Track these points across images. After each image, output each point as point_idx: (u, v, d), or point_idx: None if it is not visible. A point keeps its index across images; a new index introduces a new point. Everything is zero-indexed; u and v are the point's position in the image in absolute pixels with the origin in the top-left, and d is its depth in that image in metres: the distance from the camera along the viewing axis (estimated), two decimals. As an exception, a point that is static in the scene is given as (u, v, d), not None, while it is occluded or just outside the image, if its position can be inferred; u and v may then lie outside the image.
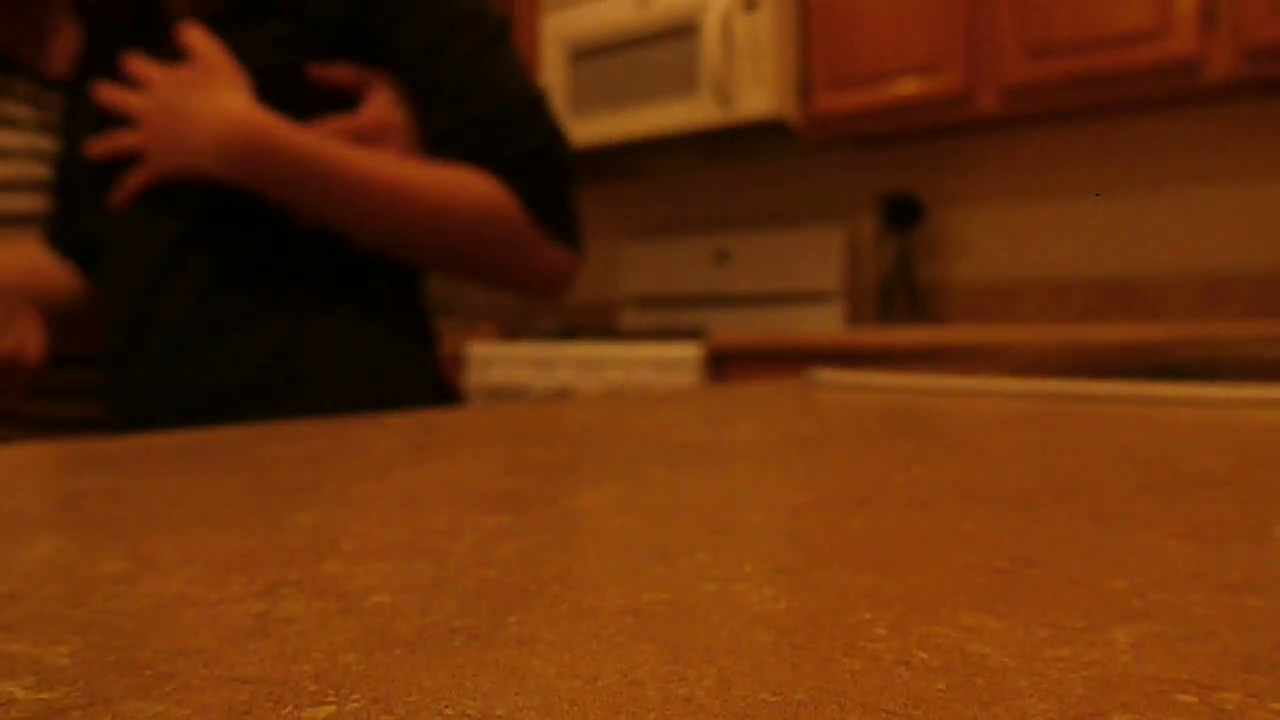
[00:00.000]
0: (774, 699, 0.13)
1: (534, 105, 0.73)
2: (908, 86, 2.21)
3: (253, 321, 0.71)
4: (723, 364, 2.09)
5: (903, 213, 2.42)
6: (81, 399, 0.85)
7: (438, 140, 0.73)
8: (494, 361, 2.32)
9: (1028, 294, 2.39)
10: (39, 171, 0.79)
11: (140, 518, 0.26)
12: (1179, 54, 1.89)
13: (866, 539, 0.22)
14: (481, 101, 0.72)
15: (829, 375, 0.68)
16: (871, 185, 2.61)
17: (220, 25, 0.72)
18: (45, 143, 0.80)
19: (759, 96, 2.30)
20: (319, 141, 0.66)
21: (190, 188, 0.70)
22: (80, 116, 0.77)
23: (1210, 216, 2.18)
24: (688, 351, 2.07)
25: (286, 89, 0.69)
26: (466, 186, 0.70)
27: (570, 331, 2.44)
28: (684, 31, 2.41)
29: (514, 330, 2.62)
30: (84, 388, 0.85)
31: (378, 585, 0.19)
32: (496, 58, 0.73)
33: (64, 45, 0.83)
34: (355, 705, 0.13)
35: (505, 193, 0.71)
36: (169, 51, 0.73)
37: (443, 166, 0.71)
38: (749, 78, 2.32)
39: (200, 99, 0.66)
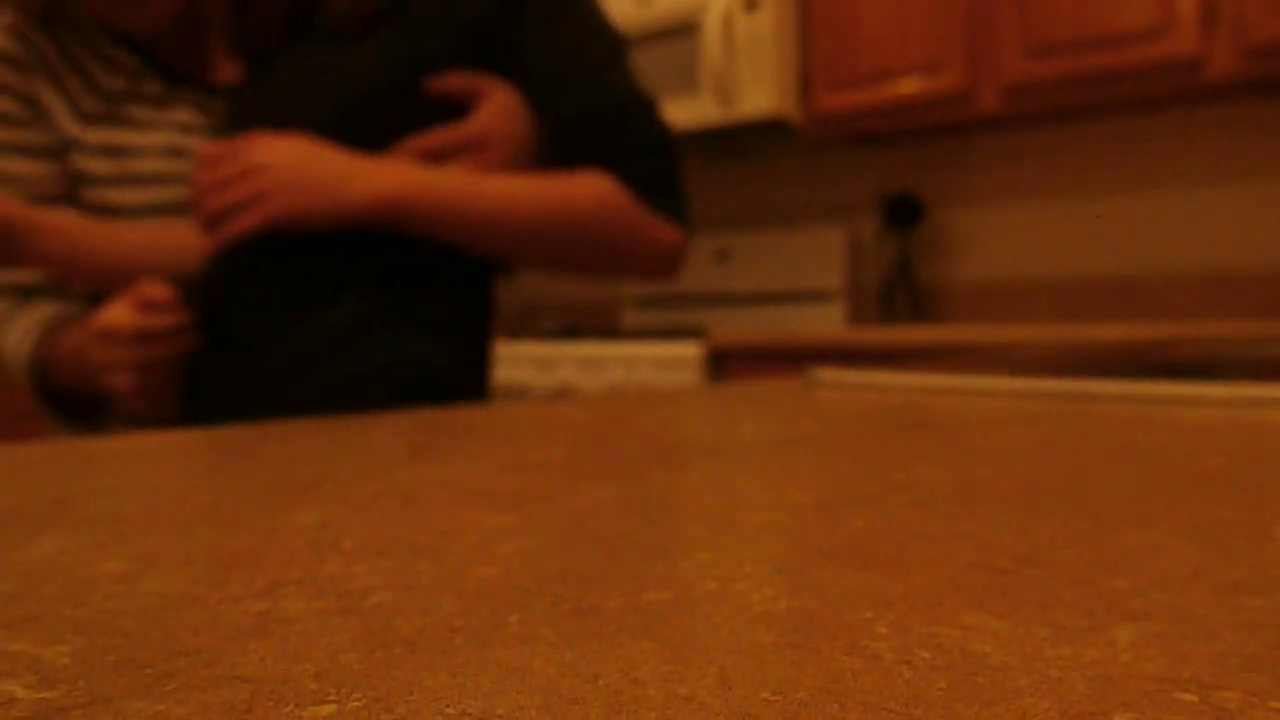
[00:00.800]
0: (775, 698, 0.13)
1: (647, 105, 0.80)
2: (908, 85, 2.20)
3: (321, 317, 0.74)
4: (723, 363, 2.09)
5: (903, 212, 2.42)
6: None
7: (557, 133, 0.79)
8: (495, 360, 2.32)
9: (1029, 293, 2.39)
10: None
11: (141, 517, 0.26)
12: (1180, 53, 1.89)
13: (867, 538, 0.22)
14: (603, 99, 0.78)
15: (830, 374, 0.68)
16: (872, 184, 2.61)
17: (349, 37, 0.77)
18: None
19: (760, 96, 2.30)
20: (450, 189, 0.73)
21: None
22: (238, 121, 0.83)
23: (1211, 215, 2.18)
24: (688, 351, 2.07)
25: (403, 100, 0.75)
26: (580, 193, 0.76)
27: (571, 331, 2.44)
28: (685, 31, 2.41)
29: (515, 329, 2.62)
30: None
31: (378, 584, 0.19)
32: (615, 64, 0.80)
33: (225, 56, 0.89)
34: (356, 704, 0.13)
35: (617, 188, 0.77)
36: (316, 59, 0.78)
37: (557, 178, 0.77)
38: (750, 77, 2.32)
39: (345, 165, 0.72)
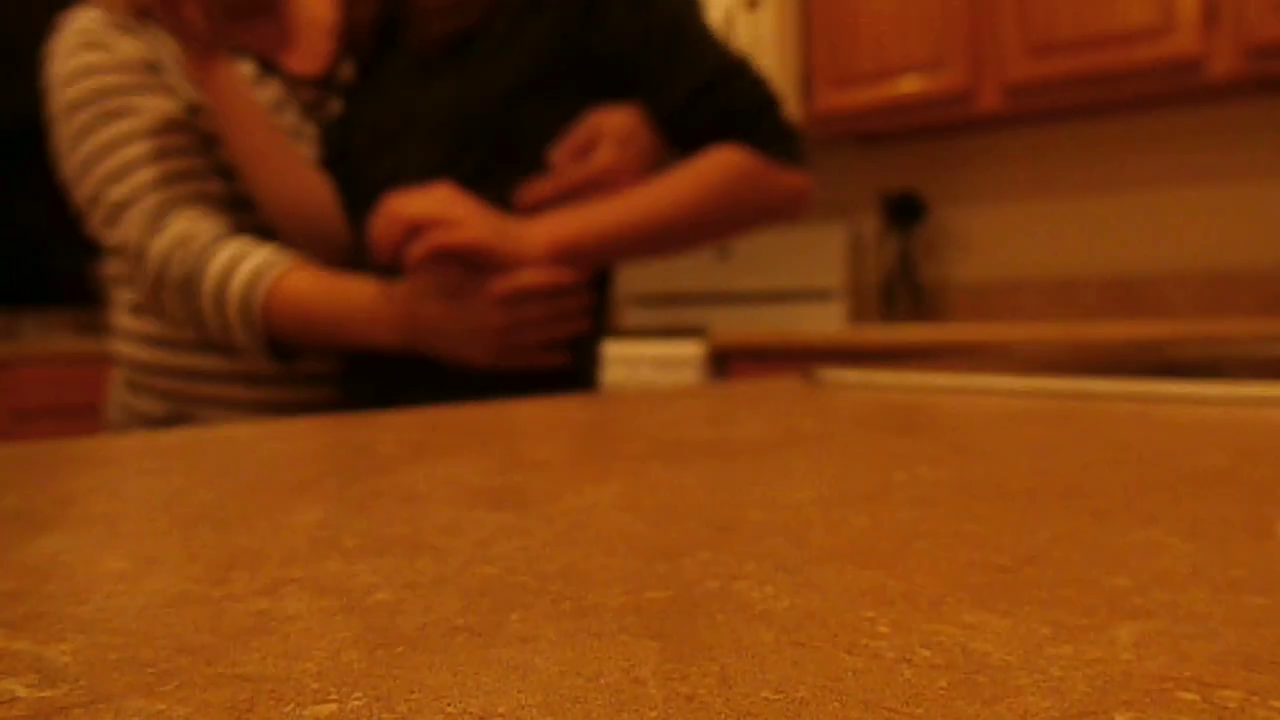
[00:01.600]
0: (776, 697, 0.13)
1: (742, 65, 0.84)
2: (910, 85, 2.20)
3: None
4: (724, 362, 2.09)
5: (905, 211, 2.42)
6: (311, 385, 0.91)
7: (673, 114, 0.83)
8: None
9: (1030, 292, 2.39)
10: (302, 149, 0.90)
11: (142, 516, 0.27)
12: (1181, 53, 1.89)
13: (868, 537, 0.22)
14: (708, 73, 0.82)
15: (831, 373, 0.68)
16: (873, 183, 2.61)
17: (456, 58, 0.80)
18: (309, 128, 0.92)
19: (761, 95, 2.30)
20: (609, 222, 0.78)
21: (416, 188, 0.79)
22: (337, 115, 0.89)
23: (1212, 215, 2.18)
24: (690, 350, 2.07)
25: (516, 125, 0.80)
26: (718, 175, 0.82)
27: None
28: (686, 29, 2.40)
29: (516, 328, 2.62)
30: (316, 374, 0.91)
31: (379, 583, 0.19)
32: (705, 34, 0.83)
33: (310, 46, 0.94)
34: (357, 703, 0.13)
35: (745, 156, 0.82)
36: (413, 83, 0.82)
37: (690, 169, 0.81)
38: (751, 76, 2.31)
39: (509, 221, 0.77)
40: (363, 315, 0.79)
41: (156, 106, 0.83)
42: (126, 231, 0.80)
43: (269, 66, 0.90)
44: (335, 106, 0.90)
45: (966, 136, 2.48)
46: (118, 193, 0.80)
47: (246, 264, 0.78)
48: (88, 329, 2.87)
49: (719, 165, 0.82)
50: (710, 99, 0.81)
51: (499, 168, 0.79)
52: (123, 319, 0.92)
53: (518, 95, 0.79)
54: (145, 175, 0.80)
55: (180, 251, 0.79)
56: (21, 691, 0.14)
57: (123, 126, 0.81)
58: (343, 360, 0.87)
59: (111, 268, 0.91)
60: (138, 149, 0.81)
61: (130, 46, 0.84)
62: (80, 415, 2.37)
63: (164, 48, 0.85)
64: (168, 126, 0.82)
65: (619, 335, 2.22)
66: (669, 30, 0.81)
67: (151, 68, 0.84)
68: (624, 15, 0.80)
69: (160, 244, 0.79)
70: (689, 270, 2.79)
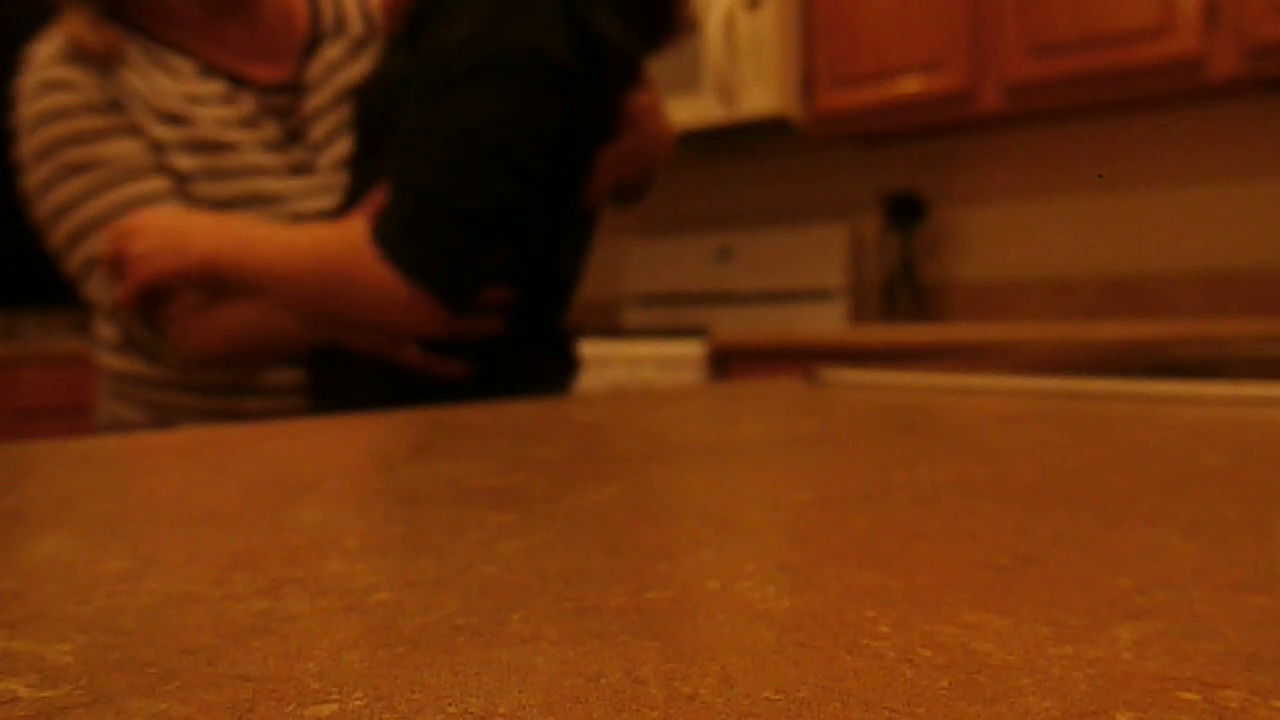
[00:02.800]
0: (777, 697, 0.13)
1: (451, 142, 0.71)
2: (910, 84, 2.20)
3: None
4: (725, 362, 2.09)
5: (906, 211, 2.42)
6: (281, 396, 0.91)
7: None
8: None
9: (1031, 292, 2.39)
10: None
11: (143, 516, 0.27)
12: (1181, 53, 1.89)
13: (869, 537, 0.22)
14: (404, 134, 0.73)
15: (832, 373, 0.68)
16: (874, 183, 2.61)
17: (406, 32, 0.78)
18: (283, 135, 0.92)
19: (762, 94, 2.30)
20: (236, 252, 0.76)
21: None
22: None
23: (1213, 214, 2.18)
24: (691, 349, 2.07)
25: (387, 112, 0.77)
26: (303, 242, 0.75)
27: (573, 329, 2.44)
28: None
29: (516, 328, 2.62)
30: (284, 385, 0.91)
31: (380, 583, 0.19)
32: (456, 94, 0.71)
33: (277, 49, 0.94)
34: (358, 703, 0.13)
35: (353, 238, 0.72)
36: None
37: (315, 229, 0.76)
38: (752, 75, 2.31)
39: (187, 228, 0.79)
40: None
41: (121, 153, 0.82)
42: (95, 290, 0.82)
43: (238, 81, 0.90)
44: (307, 106, 0.89)
45: (967, 136, 2.48)
46: (82, 251, 0.81)
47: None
48: (88, 329, 2.88)
49: (312, 233, 0.75)
50: (399, 169, 0.72)
51: (367, 154, 0.77)
52: (104, 329, 0.92)
53: (394, 86, 0.74)
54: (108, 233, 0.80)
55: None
56: (23, 691, 0.14)
57: (85, 181, 0.81)
58: (309, 369, 0.84)
59: None
60: (101, 204, 0.80)
61: (93, 85, 0.83)
62: (80, 415, 2.37)
63: (130, 78, 0.85)
64: (132, 174, 0.82)
65: (620, 335, 2.22)
66: (432, 91, 0.71)
67: (115, 105, 0.83)
68: (428, 42, 0.74)
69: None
70: (690, 270, 2.79)
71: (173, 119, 0.86)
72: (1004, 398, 0.54)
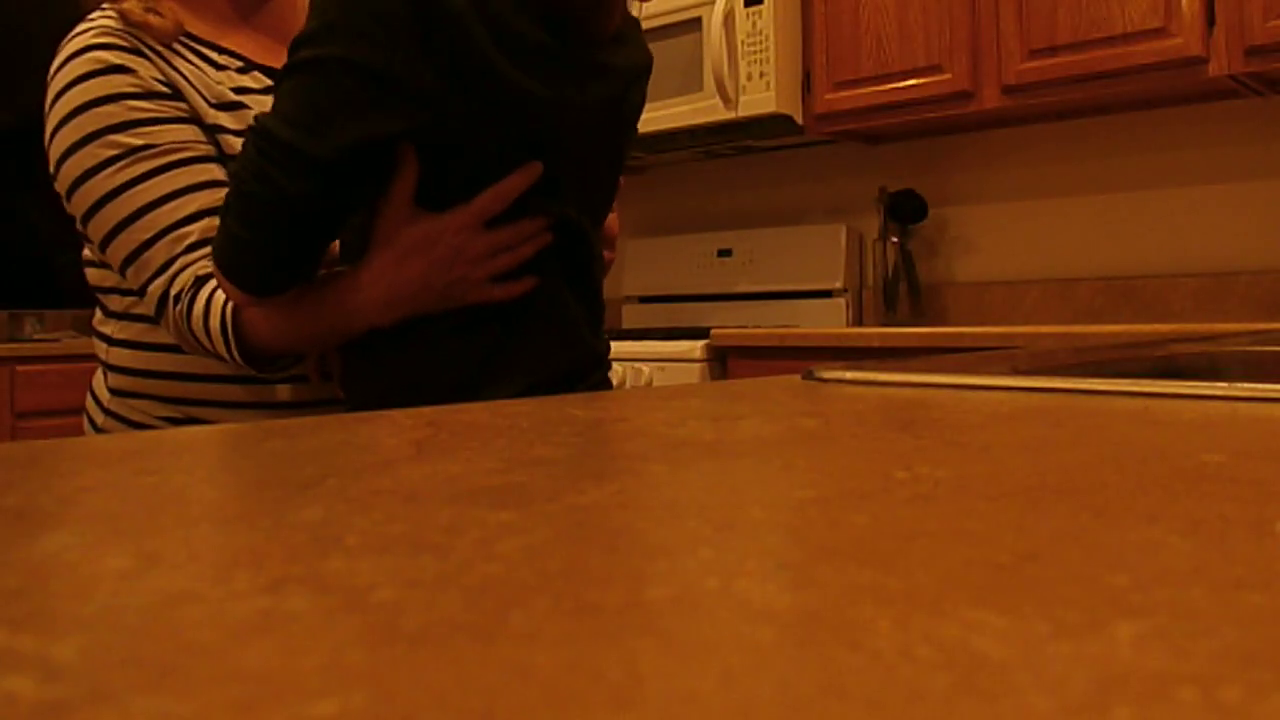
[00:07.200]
0: (777, 694, 0.13)
1: (260, 140, 0.75)
2: (910, 85, 2.20)
3: (463, 334, 0.82)
4: (726, 361, 2.09)
5: (906, 210, 2.42)
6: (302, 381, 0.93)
7: None
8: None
9: (1030, 291, 2.38)
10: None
11: (144, 514, 0.27)
12: (1181, 52, 1.89)
13: (869, 534, 0.22)
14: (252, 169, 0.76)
15: (831, 371, 0.68)
16: (875, 182, 2.61)
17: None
18: None
19: (762, 94, 2.30)
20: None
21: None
22: None
23: (1212, 214, 2.18)
24: (691, 348, 2.07)
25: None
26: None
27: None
28: (687, 28, 2.40)
29: (516, 328, 2.62)
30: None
31: (381, 581, 0.19)
32: (276, 91, 0.77)
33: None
34: (359, 700, 0.13)
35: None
36: None
37: None
38: (752, 75, 2.31)
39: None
40: (344, 297, 0.80)
41: (179, 138, 0.83)
42: (140, 276, 0.82)
43: (273, 75, 0.90)
44: None
45: (967, 135, 2.48)
46: (133, 236, 0.81)
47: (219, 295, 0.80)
48: (88, 329, 2.87)
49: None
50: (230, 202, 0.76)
51: None
52: (107, 326, 0.92)
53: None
54: (161, 220, 0.81)
55: (180, 304, 0.81)
56: (25, 689, 0.14)
57: (140, 166, 0.81)
58: (343, 357, 0.87)
59: (94, 277, 0.91)
60: (154, 190, 0.81)
61: (147, 68, 0.83)
62: (80, 415, 2.37)
63: (182, 65, 0.85)
64: (186, 159, 0.82)
65: (621, 334, 2.22)
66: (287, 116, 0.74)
67: (173, 91, 0.84)
68: None
69: (174, 294, 0.81)
70: (690, 269, 2.79)
71: (229, 106, 0.86)
72: (1003, 396, 0.54)
